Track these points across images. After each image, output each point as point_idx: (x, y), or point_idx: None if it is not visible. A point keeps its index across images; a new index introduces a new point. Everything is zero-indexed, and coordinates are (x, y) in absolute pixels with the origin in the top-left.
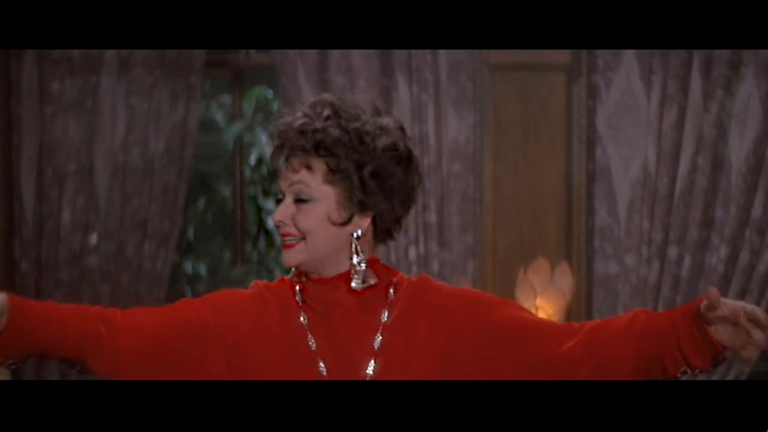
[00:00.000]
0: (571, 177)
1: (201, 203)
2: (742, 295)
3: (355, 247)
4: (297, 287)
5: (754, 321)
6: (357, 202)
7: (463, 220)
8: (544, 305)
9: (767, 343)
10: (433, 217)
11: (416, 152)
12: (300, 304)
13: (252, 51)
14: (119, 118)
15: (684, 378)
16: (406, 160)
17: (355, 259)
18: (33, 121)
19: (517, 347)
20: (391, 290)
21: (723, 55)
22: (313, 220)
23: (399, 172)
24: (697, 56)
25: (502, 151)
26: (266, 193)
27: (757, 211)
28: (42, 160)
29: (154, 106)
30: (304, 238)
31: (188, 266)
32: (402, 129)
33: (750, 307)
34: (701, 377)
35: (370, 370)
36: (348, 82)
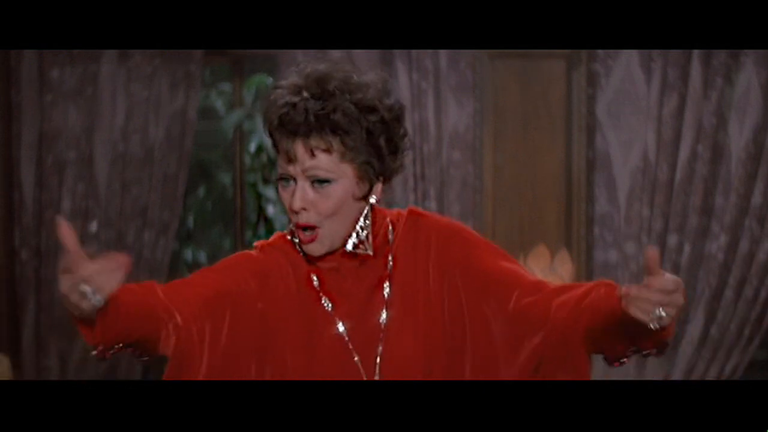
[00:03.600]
0: (570, 165)
1: (201, 191)
2: (741, 283)
3: (366, 215)
4: (300, 245)
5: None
6: (375, 171)
7: (463, 207)
8: None
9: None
10: (433, 205)
11: (416, 140)
12: (308, 264)
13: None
14: (119, 106)
15: (635, 357)
16: (402, 114)
17: (360, 226)
18: (33, 109)
19: (485, 295)
20: (390, 234)
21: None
22: (336, 200)
23: (402, 128)
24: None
25: (502, 139)
26: (266, 181)
27: (756, 199)
28: (42, 148)
29: (154, 94)
30: (320, 225)
31: (188, 254)
32: (386, 81)
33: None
34: (711, 376)
35: (382, 319)
36: None
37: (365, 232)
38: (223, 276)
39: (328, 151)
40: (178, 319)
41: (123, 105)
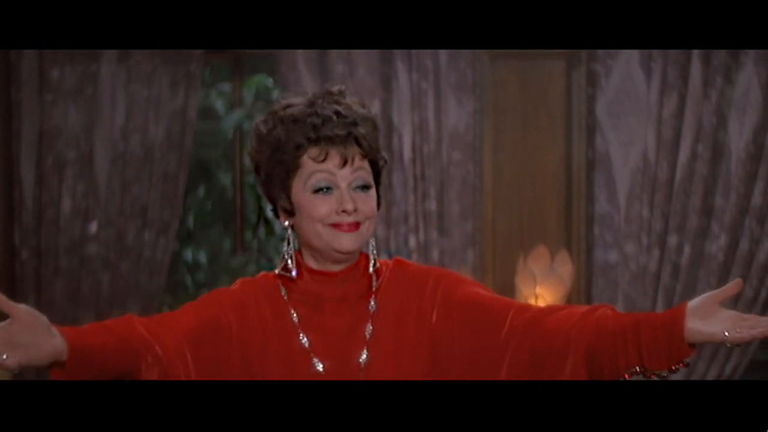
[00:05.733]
0: (570, 164)
1: (201, 191)
2: None
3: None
4: (280, 283)
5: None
6: (380, 188)
7: (462, 207)
8: (544, 293)
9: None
10: (433, 205)
11: (416, 140)
12: (287, 300)
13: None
14: (119, 106)
15: (634, 378)
16: None
17: (373, 243)
18: (33, 108)
19: (468, 325)
20: (374, 281)
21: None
22: (374, 206)
23: None
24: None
25: (502, 139)
26: None
27: (756, 199)
28: (42, 147)
29: (154, 94)
30: (359, 224)
31: (188, 254)
32: None
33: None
34: (711, 376)
35: (362, 359)
36: (348, 69)
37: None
38: (203, 308)
39: (368, 156)
40: (158, 350)
41: (123, 104)
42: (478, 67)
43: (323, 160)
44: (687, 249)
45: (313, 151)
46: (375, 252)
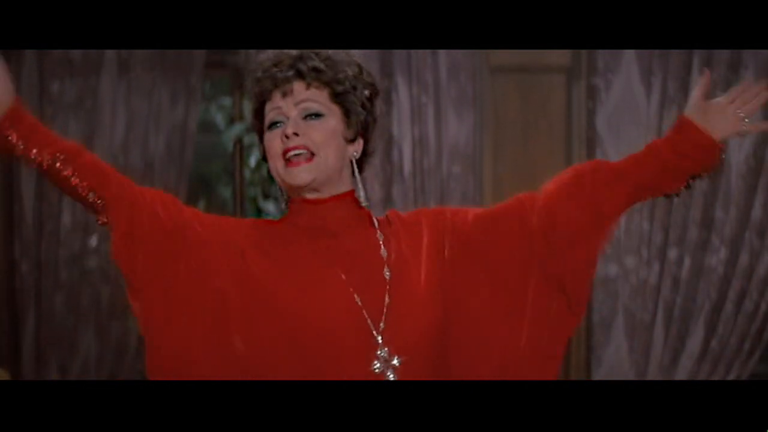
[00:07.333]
0: None
1: (201, 204)
2: (741, 296)
3: (358, 167)
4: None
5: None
6: (359, 120)
7: None
8: None
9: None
10: None
11: (416, 154)
12: (295, 230)
13: (252, 51)
14: (119, 119)
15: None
16: (378, 100)
17: (359, 177)
18: None
19: (490, 236)
20: (374, 219)
21: (723, 56)
22: (327, 133)
23: (378, 107)
24: (697, 57)
25: (502, 152)
26: (266, 195)
27: (756, 212)
28: None
29: (154, 107)
30: (313, 155)
31: None
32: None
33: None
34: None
35: (386, 273)
36: None
37: (360, 184)
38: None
39: (317, 87)
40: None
41: (123, 117)
42: (479, 80)
43: (270, 99)
44: (687, 262)
45: (267, 94)
46: (363, 190)
